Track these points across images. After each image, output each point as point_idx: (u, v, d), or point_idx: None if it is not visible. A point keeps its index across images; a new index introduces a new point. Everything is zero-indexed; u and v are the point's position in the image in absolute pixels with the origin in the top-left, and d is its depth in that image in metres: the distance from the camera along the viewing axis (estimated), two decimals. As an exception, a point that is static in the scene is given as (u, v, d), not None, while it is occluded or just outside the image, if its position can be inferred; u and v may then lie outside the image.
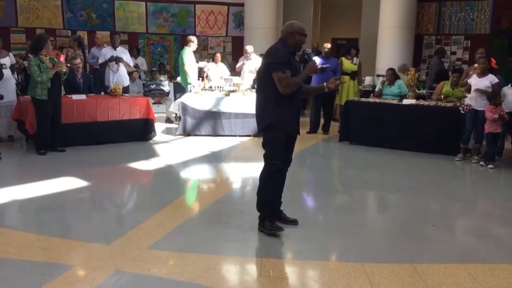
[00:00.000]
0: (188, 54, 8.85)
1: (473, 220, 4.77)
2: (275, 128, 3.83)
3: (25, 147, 7.27)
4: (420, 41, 12.21)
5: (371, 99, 8.28)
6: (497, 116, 6.35)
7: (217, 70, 9.92)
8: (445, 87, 7.65)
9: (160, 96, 10.17)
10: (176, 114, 8.93)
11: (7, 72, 7.19)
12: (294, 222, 4.17)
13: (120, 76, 8.76)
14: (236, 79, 9.10)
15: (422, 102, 7.82)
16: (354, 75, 9.31)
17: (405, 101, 7.69)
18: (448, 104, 7.34)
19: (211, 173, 6.30)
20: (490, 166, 6.50)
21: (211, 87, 8.82)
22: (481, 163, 6.63)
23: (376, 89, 8.50)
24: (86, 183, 5.37)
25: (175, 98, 9.50)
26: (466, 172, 6.66)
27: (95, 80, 8.81)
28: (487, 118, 6.47)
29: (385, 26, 11.18)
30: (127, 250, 3.57)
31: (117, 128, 7.46)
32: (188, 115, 8.16)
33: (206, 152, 7.19)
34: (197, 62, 9.37)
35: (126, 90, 8.66)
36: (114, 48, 8.84)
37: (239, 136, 8.21)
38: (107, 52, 8.79)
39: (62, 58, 6.67)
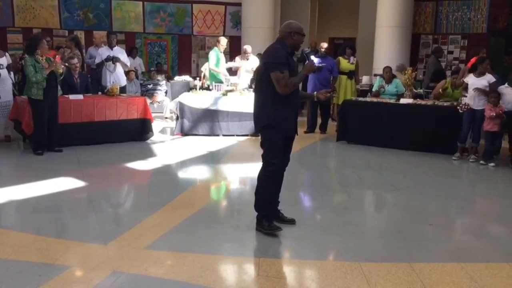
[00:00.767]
0: (214, 54, 8.95)
1: (470, 219, 4.78)
2: (273, 128, 3.83)
3: (22, 147, 7.25)
4: (417, 41, 12.23)
5: (368, 99, 8.29)
6: (495, 114, 6.38)
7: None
8: (447, 86, 7.65)
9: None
10: (174, 113, 8.92)
11: (3, 72, 7.18)
12: (291, 222, 4.17)
13: (117, 76, 8.73)
14: (233, 79, 9.09)
15: (419, 101, 7.83)
16: (351, 74, 9.32)
17: (403, 101, 7.70)
18: (446, 104, 7.36)
19: (209, 173, 6.30)
20: (491, 164, 6.51)
21: (208, 86, 8.79)
22: (481, 162, 6.65)
23: (374, 89, 8.51)
24: (83, 183, 5.36)
25: (173, 98, 9.49)
26: (463, 171, 6.68)
27: (92, 80, 8.80)
28: (486, 116, 6.50)
29: (382, 25, 11.19)
30: (124, 250, 3.57)
31: (114, 128, 7.44)
32: (186, 115, 8.15)
33: (203, 152, 7.19)
34: (226, 62, 9.42)
35: (123, 90, 8.65)
36: (111, 48, 8.82)
37: (237, 135, 8.21)
38: (104, 52, 8.76)
39: (58, 59, 6.65)
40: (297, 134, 4.11)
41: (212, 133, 8.23)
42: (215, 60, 8.93)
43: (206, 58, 12.09)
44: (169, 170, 6.29)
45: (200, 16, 12.77)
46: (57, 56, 6.70)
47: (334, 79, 8.88)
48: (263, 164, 3.95)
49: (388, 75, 8.24)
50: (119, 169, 6.17)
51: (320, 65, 8.42)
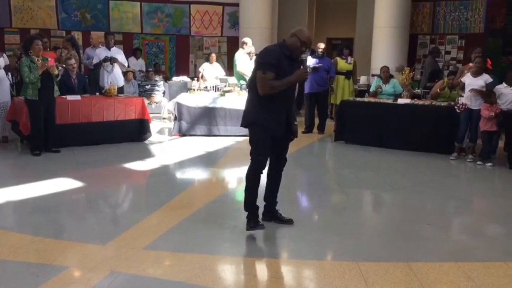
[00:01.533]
0: (240, 56, 9.01)
1: (468, 219, 4.79)
2: (259, 126, 3.85)
3: (19, 148, 7.24)
4: (414, 41, 12.23)
5: (366, 99, 8.30)
6: (493, 114, 6.40)
7: (213, 70, 9.91)
8: (444, 86, 7.66)
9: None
10: (172, 114, 8.92)
11: (1, 73, 7.17)
12: (289, 222, 4.18)
13: (114, 77, 8.73)
14: (231, 79, 9.10)
15: (417, 101, 7.84)
16: (349, 74, 9.33)
17: (400, 101, 7.72)
18: (443, 104, 7.37)
19: (206, 173, 6.30)
20: (489, 164, 6.53)
21: (206, 87, 8.79)
22: (479, 162, 6.66)
23: (371, 89, 8.52)
24: (81, 184, 5.35)
25: (170, 99, 9.49)
26: (461, 171, 6.69)
27: (90, 81, 8.79)
28: (483, 116, 6.51)
29: (380, 25, 11.20)
30: (122, 251, 3.57)
31: (112, 129, 7.44)
32: (184, 116, 8.15)
33: (201, 152, 7.19)
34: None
35: (121, 90, 8.64)
36: (109, 48, 8.82)
37: (234, 136, 8.21)
38: (101, 52, 8.76)
39: (51, 61, 6.60)
40: (296, 137, 4.11)
41: (210, 133, 8.23)
42: (243, 62, 8.99)
43: (203, 59, 12.15)
44: (167, 170, 6.29)
45: (198, 17, 12.77)
46: (49, 59, 6.64)
47: (331, 79, 8.90)
48: (250, 162, 3.95)
49: (386, 75, 8.25)
50: (117, 169, 6.17)
51: (317, 65, 8.56)
